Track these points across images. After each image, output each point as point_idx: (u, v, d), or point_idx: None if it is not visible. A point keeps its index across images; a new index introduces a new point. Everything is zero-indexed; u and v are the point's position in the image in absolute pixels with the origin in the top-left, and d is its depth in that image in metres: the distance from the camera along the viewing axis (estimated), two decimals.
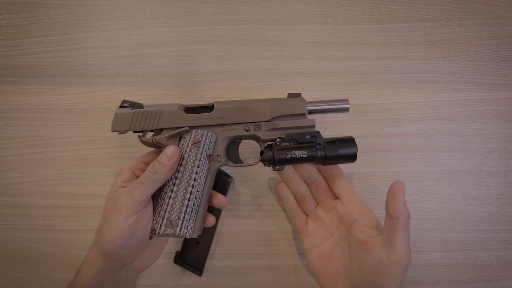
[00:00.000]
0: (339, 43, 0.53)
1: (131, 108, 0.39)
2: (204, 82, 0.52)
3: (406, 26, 0.54)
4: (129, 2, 0.54)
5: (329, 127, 0.51)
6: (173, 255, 0.49)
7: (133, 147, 0.50)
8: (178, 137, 0.39)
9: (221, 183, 0.48)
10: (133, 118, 0.39)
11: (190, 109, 0.40)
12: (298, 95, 0.42)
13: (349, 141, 0.40)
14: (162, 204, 0.38)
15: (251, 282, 0.49)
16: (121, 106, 0.39)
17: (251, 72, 0.52)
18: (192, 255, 0.48)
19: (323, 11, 0.54)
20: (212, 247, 0.49)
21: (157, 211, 0.38)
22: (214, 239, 0.49)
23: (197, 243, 0.48)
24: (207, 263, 0.49)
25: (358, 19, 0.54)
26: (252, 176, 0.51)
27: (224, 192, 0.48)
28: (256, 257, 0.49)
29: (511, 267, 0.49)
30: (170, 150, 0.37)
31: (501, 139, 0.52)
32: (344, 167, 0.45)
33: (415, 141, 0.51)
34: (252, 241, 0.49)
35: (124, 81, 0.52)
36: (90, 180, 0.50)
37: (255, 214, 0.50)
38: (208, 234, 0.49)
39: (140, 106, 0.40)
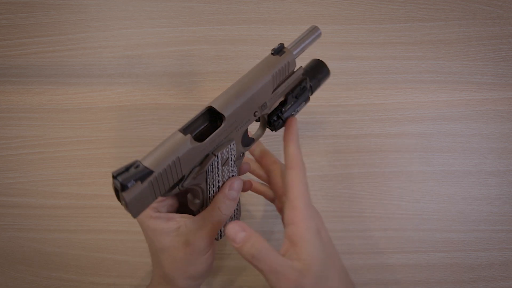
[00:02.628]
0: (339, 43, 0.53)
1: (139, 181, 0.28)
2: (204, 82, 0.52)
3: (406, 26, 0.54)
4: (129, 2, 0.54)
5: (329, 127, 0.51)
6: None
7: (133, 147, 0.50)
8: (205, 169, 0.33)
9: None
10: (151, 188, 0.29)
11: (195, 131, 0.32)
12: (281, 48, 0.36)
13: (320, 65, 0.41)
14: None
15: (251, 282, 0.49)
16: (123, 190, 0.27)
17: None
18: None
19: (323, 11, 0.54)
20: None
21: None
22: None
23: None
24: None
25: (358, 19, 0.54)
26: (252, 176, 0.51)
27: None
28: None
29: (511, 267, 0.49)
30: (239, 185, 0.34)
31: (501, 139, 0.52)
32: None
33: (415, 141, 0.51)
34: None
35: (124, 81, 0.52)
36: (90, 180, 0.50)
37: (255, 214, 0.50)
38: None
39: (140, 170, 0.27)
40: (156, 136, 0.51)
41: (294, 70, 0.37)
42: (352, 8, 0.54)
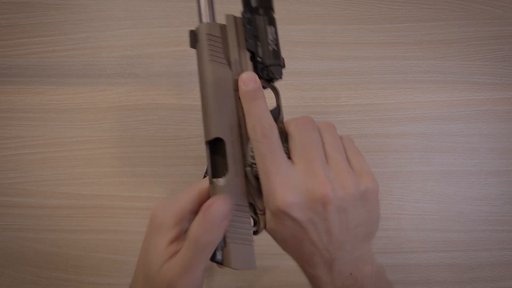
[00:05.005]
0: (339, 43, 0.53)
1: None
2: None
3: (406, 26, 0.54)
4: (129, 2, 0.54)
5: None
6: None
7: (133, 147, 0.50)
8: None
9: None
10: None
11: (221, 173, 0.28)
12: (194, 36, 0.30)
13: None
14: None
15: (251, 282, 0.49)
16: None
17: None
18: None
19: (323, 11, 0.54)
20: None
21: None
22: None
23: None
24: (207, 263, 0.49)
25: (358, 19, 0.54)
26: None
27: None
28: (256, 257, 0.49)
29: (511, 267, 0.49)
30: (219, 209, 0.25)
31: (501, 139, 0.52)
32: None
33: (415, 141, 0.51)
34: None
35: (124, 81, 0.52)
36: (90, 180, 0.50)
37: None
38: None
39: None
40: (156, 136, 0.51)
41: (224, 24, 0.31)
42: (352, 8, 0.54)
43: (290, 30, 0.53)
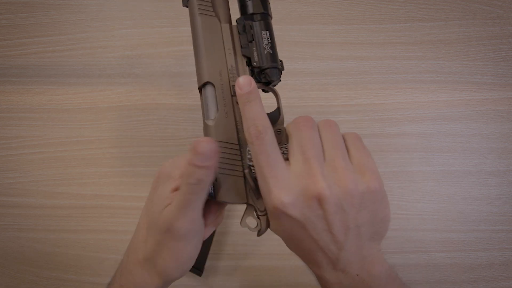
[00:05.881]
0: (339, 43, 0.53)
1: None
2: None
3: (406, 26, 0.54)
4: (129, 2, 0.54)
5: None
6: None
7: (133, 147, 0.50)
8: None
9: None
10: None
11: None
12: None
13: None
14: None
15: (250, 282, 0.49)
16: None
17: None
18: None
19: (323, 11, 0.54)
20: (212, 247, 0.49)
21: None
22: (214, 239, 0.49)
23: None
24: (207, 263, 0.49)
25: (358, 19, 0.54)
26: None
27: None
28: (256, 257, 0.49)
29: (511, 267, 0.49)
30: (206, 147, 0.24)
31: (501, 139, 0.52)
32: None
33: (415, 141, 0.51)
34: (252, 241, 0.49)
35: (124, 81, 0.52)
36: (90, 180, 0.50)
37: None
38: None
39: None
40: (156, 136, 0.51)
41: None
42: (352, 8, 0.54)
43: (290, 30, 0.53)
